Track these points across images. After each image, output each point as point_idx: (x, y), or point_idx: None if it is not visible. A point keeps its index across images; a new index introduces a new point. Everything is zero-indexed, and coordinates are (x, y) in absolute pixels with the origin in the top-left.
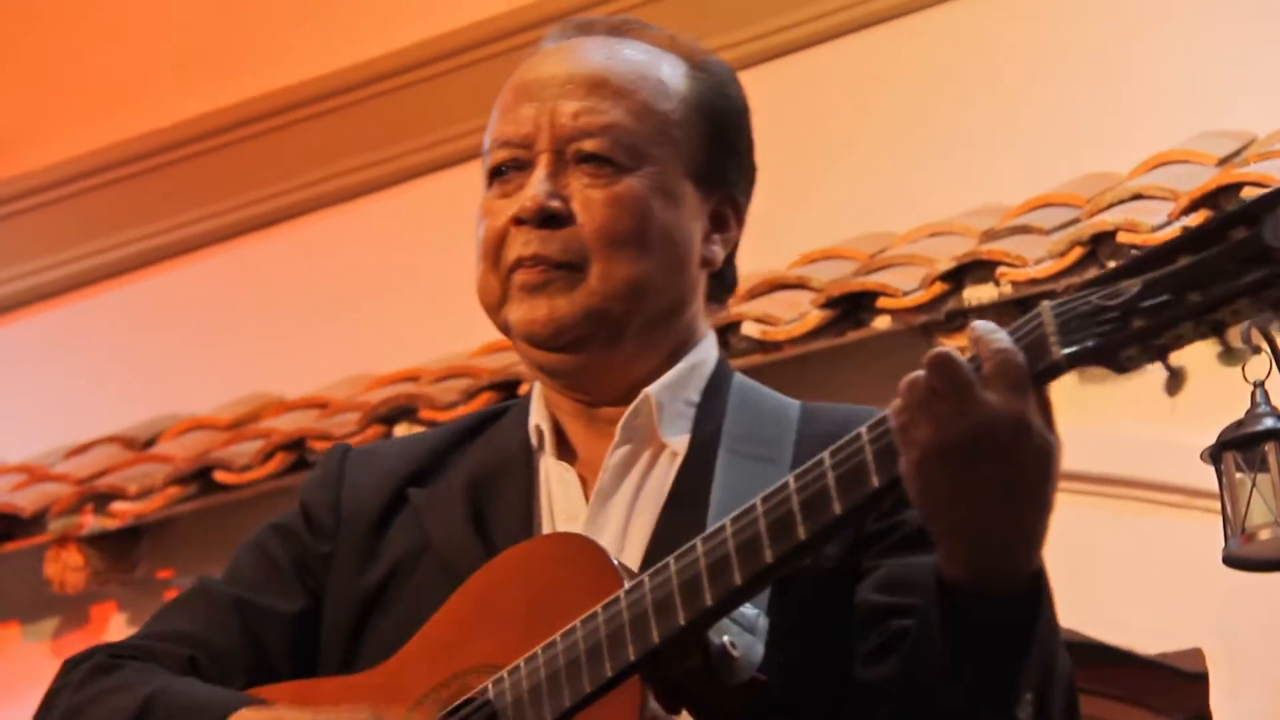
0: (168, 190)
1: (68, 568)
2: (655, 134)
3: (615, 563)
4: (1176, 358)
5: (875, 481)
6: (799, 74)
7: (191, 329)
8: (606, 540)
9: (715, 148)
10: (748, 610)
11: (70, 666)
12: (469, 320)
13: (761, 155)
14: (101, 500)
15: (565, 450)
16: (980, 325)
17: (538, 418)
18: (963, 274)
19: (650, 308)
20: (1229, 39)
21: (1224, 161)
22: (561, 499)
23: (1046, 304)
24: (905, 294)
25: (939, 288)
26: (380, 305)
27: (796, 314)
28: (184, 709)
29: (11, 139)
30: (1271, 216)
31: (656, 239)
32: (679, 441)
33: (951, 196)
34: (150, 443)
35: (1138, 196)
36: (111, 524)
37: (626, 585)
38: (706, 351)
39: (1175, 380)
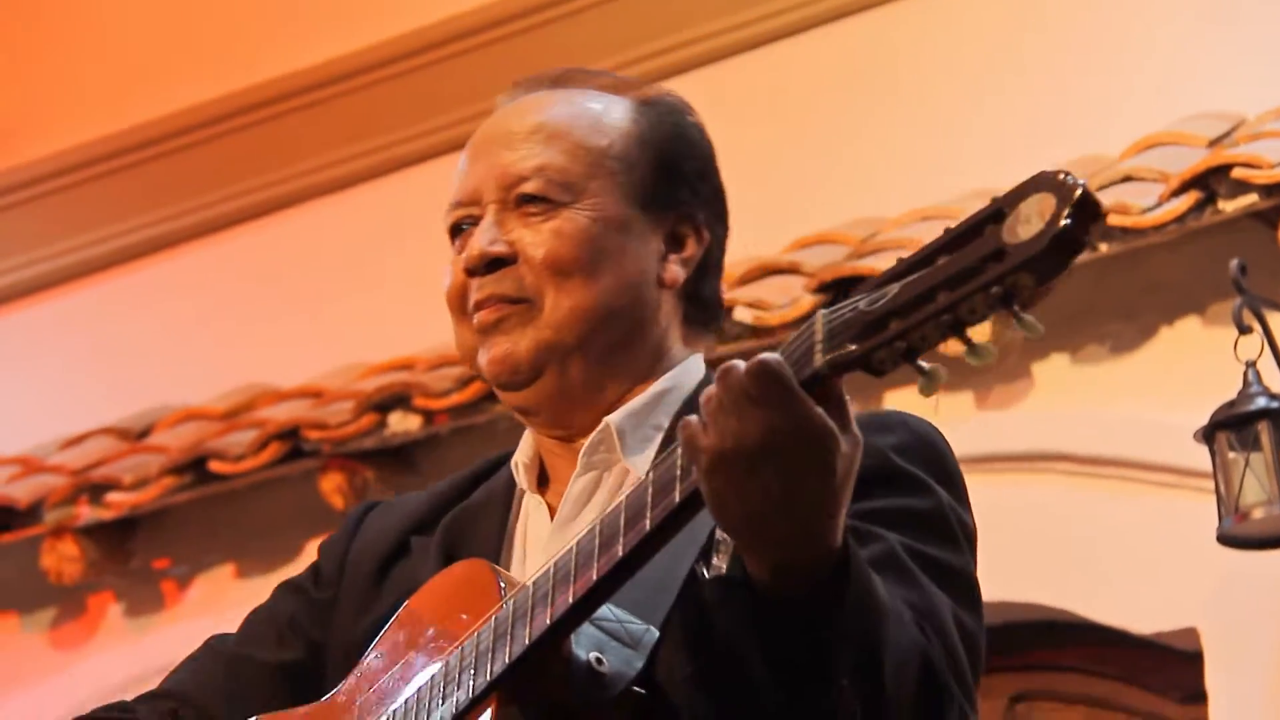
0: (159, 182)
1: (64, 558)
2: (591, 168)
3: (498, 578)
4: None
5: (679, 494)
6: (790, 60)
7: (185, 319)
8: None
9: (662, 174)
10: (634, 625)
11: None
12: None
13: (754, 141)
14: (97, 491)
15: (546, 483)
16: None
17: (520, 454)
18: None
19: (604, 332)
20: (1219, 20)
21: (1214, 143)
22: (533, 530)
23: (821, 312)
24: None
25: None
26: (374, 294)
27: (788, 299)
28: None
29: (2, 132)
30: (1014, 212)
31: (601, 264)
32: (645, 465)
33: (942, 181)
34: (145, 433)
35: (1128, 178)
36: (107, 514)
37: (505, 600)
38: (682, 377)
39: (930, 382)
